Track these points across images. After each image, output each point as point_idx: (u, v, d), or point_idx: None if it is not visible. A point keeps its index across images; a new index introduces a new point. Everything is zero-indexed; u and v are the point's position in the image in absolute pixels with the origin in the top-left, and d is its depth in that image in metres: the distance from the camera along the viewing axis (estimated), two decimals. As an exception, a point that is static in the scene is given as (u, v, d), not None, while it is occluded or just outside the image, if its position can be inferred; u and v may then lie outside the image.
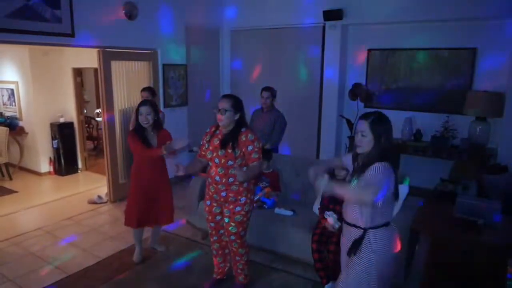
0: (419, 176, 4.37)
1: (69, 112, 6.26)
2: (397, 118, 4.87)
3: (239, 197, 2.67)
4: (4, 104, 6.39)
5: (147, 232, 3.62)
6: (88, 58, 5.28)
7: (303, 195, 3.75)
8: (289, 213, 3.45)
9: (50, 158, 6.16)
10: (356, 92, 5.28)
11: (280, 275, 3.23)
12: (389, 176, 1.90)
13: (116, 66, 4.82)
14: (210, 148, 2.68)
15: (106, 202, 4.92)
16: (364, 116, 2.01)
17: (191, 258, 3.51)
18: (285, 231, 3.29)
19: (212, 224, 2.86)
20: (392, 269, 2.11)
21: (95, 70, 5.31)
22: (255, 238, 3.31)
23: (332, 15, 5.12)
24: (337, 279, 2.83)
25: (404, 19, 4.80)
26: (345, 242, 2.14)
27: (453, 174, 4.29)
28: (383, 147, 1.94)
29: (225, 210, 2.73)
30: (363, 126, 1.97)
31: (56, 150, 6.08)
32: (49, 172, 6.17)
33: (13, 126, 6.05)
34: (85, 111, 6.98)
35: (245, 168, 2.64)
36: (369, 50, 5.31)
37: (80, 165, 6.39)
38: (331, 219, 2.77)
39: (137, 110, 3.14)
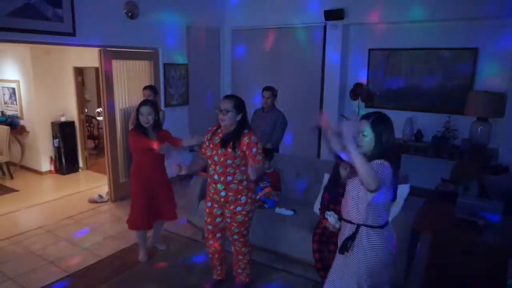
0: (420, 176, 4.36)
1: (70, 111, 6.26)
2: (398, 118, 4.85)
3: (239, 196, 2.67)
4: (5, 103, 6.40)
5: (150, 231, 3.62)
6: (89, 57, 5.29)
7: (304, 194, 3.75)
8: (289, 213, 3.44)
9: (51, 157, 6.17)
10: (357, 92, 5.27)
11: (281, 275, 3.23)
12: (387, 165, 1.91)
13: (117, 65, 4.82)
14: (211, 146, 2.68)
15: (106, 201, 4.93)
16: (365, 116, 2.02)
17: (191, 258, 3.51)
18: (286, 231, 3.28)
19: (210, 227, 2.84)
20: (386, 270, 2.10)
21: (96, 69, 5.32)
22: (255, 238, 3.30)
23: (333, 15, 5.12)
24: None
25: (405, 19, 4.79)
26: (341, 238, 2.17)
27: (454, 175, 4.28)
28: (384, 147, 1.95)
29: (226, 211, 2.73)
30: (364, 126, 1.98)
31: (57, 149, 6.09)
32: (50, 171, 6.18)
33: (14, 125, 6.06)
34: (86, 110, 6.98)
35: (243, 168, 2.65)
36: (370, 50, 5.30)
37: (81, 164, 6.39)
38: (332, 219, 2.76)
39: (138, 110, 3.14)
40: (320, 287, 2.91)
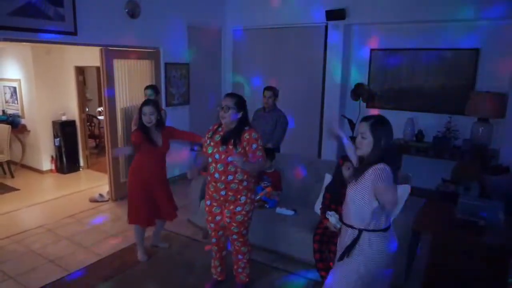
0: (421, 177, 4.35)
1: (71, 110, 6.27)
2: (399, 119, 4.87)
3: (239, 196, 2.67)
4: (6, 101, 6.40)
5: (149, 230, 3.62)
6: (91, 56, 5.29)
7: (305, 193, 3.75)
8: (290, 212, 3.44)
9: (52, 156, 6.17)
10: (358, 92, 5.27)
11: (281, 275, 3.23)
12: (388, 170, 1.91)
13: (119, 65, 4.83)
14: (212, 143, 2.68)
15: (107, 201, 4.93)
16: (365, 118, 2.02)
17: (191, 257, 3.51)
18: (287, 231, 3.28)
19: (212, 225, 2.85)
20: (386, 272, 2.09)
21: (98, 68, 5.31)
22: (256, 237, 3.30)
23: (335, 14, 5.11)
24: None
25: (407, 19, 4.78)
26: (340, 243, 2.15)
27: (455, 175, 4.28)
28: (383, 150, 1.94)
29: (225, 210, 2.73)
30: (364, 128, 1.97)
31: (58, 148, 6.10)
32: (51, 170, 6.18)
33: (15, 123, 6.07)
34: (87, 110, 6.99)
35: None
36: (372, 50, 5.30)
37: (81, 163, 6.40)
38: (333, 219, 2.76)
39: (140, 110, 3.16)
40: (321, 287, 2.92)
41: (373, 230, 1.99)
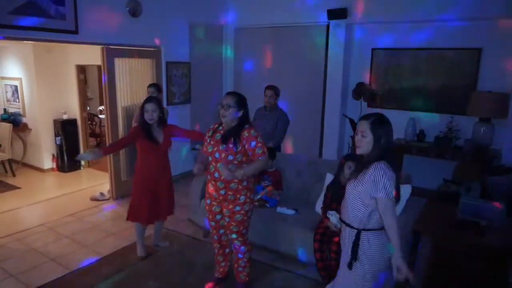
0: (422, 177, 4.35)
1: (72, 109, 6.27)
2: (401, 118, 4.87)
3: (238, 196, 2.66)
4: (7, 100, 6.41)
5: (149, 229, 3.63)
6: (92, 55, 5.29)
7: (306, 194, 3.75)
8: (291, 212, 3.44)
9: (53, 155, 6.18)
10: (359, 91, 5.27)
11: (282, 274, 3.23)
12: (391, 175, 1.88)
13: (120, 64, 4.82)
14: (212, 142, 2.68)
15: (108, 199, 4.93)
16: (365, 117, 2.00)
17: (192, 256, 3.51)
18: (287, 230, 3.28)
19: (213, 223, 2.86)
20: (388, 272, 2.06)
21: (99, 67, 5.31)
22: (257, 237, 3.30)
23: (337, 14, 5.10)
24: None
25: (409, 18, 4.77)
26: (342, 243, 2.15)
27: (456, 175, 4.27)
28: (382, 149, 1.93)
29: (224, 210, 2.73)
30: (364, 127, 1.96)
31: (59, 147, 6.10)
32: (52, 169, 6.19)
33: (16, 122, 6.07)
34: (88, 108, 6.99)
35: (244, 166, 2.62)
36: (373, 49, 5.29)
37: (82, 162, 6.40)
38: (333, 218, 2.76)
39: (142, 107, 3.16)
40: (321, 287, 2.92)
41: (372, 229, 1.98)
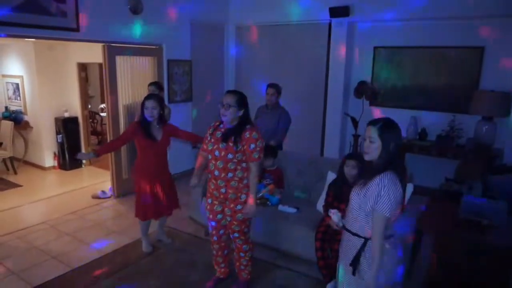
0: (424, 175, 4.34)
1: (74, 107, 6.27)
2: (403, 117, 4.85)
3: (239, 195, 2.66)
4: (9, 98, 6.41)
5: (153, 226, 3.63)
6: (93, 53, 5.28)
7: (307, 192, 3.74)
8: (293, 210, 3.44)
9: (55, 153, 6.19)
10: (361, 90, 5.25)
11: (283, 272, 3.23)
12: (395, 189, 1.82)
13: (121, 61, 4.82)
14: (212, 140, 2.67)
15: (109, 197, 4.94)
16: (372, 122, 1.94)
17: (194, 255, 3.51)
18: (289, 228, 3.28)
19: (213, 223, 2.85)
20: (394, 280, 2.02)
21: (100, 65, 5.31)
22: (258, 235, 3.30)
23: (339, 12, 5.08)
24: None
25: (411, 16, 4.75)
26: (344, 250, 2.06)
27: (458, 174, 4.25)
28: (391, 154, 1.87)
29: (226, 209, 2.72)
30: (371, 132, 1.90)
31: (61, 145, 6.11)
32: (54, 167, 6.20)
33: (18, 120, 6.08)
34: (89, 106, 6.99)
35: (244, 165, 2.64)
36: (375, 48, 5.27)
37: (84, 160, 6.40)
38: (335, 217, 2.75)
39: (143, 104, 3.16)
40: (322, 285, 2.92)
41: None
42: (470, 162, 4.32)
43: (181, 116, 5.46)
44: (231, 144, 2.56)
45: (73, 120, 6.18)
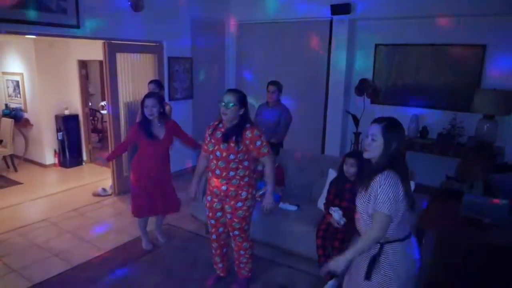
0: (425, 173, 4.33)
1: (74, 105, 6.26)
2: (404, 115, 4.84)
3: (240, 192, 2.65)
4: (9, 95, 6.40)
5: (151, 224, 3.63)
6: (94, 50, 5.27)
7: (308, 189, 3.74)
8: (293, 208, 3.44)
9: (55, 150, 6.18)
10: (362, 87, 5.23)
11: (284, 270, 3.23)
12: (394, 186, 1.79)
13: (121, 59, 4.80)
14: (212, 141, 2.66)
15: (110, 195, 4.94)
16: (377, 120, 1.91)
17: (194, 252, 3.51)
18: (290, 226, 3.28)
19: (213, 221, 2.84)
20: (414, 280, 1.97)
21: (100, 62, 5.30)
22: (259, 233, 3.30)
23: (340, 9, 5.06)
24: (339, 276, 2.84)
25: (413, 14, 4.73)
26: (360, 256, 1.98)
27: (459, 172, 4.25)
28: (392, 154, 1.84)
29: (226, 206, 2.72)
30: (375, 130, 1.87)
31: (61, 142, 6.10)
32: (54, 164, 6.19)
33: (18, 117, 6.07)
34: (90, 104, 6.98)
35: (246, 163, 2.63)
36: (377, 45, 5.25)
37: (84, 157, 6.40)
38: (336, 215, 2.76)
39: (143, 102, 3.15)
40: (323, 283, 2.92)
41: (395, 240, 1.87)
42: (471, 160, 4.31)
43: (181, 114, 5.45)
44: (232, 144, 2.55)
45: (73, 118, 6.17)
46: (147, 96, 3.19)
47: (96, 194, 4.92)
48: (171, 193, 3.46)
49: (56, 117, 6.08)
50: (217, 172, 2.63)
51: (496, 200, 2.66)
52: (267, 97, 4.34)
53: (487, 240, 2.49)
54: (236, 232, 2.76)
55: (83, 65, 6.24)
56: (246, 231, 2.80)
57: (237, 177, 2.62)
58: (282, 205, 3.48)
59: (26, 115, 6.18)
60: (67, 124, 6.06)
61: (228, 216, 2.73)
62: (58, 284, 3.02)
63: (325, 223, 2.93)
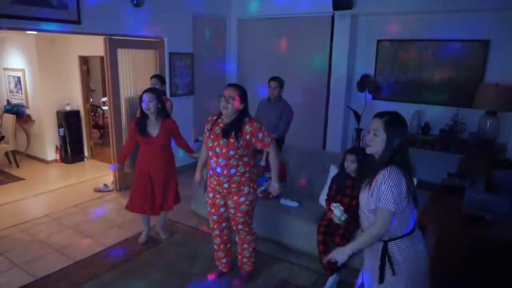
0: (426, 170, 4.31)
1: (76, 101, 6.26)
2: (406, 111, 4.77)
3: (242, 187, 2.66)
4: (10, 91, 6.41)
5: (154, 220, 3.64)
6: (95, 46, 5.26)
7: (310, 186, 3.73)
8: (295, 204, 3.44)
9: (57, 146, 6.19)
10: (364, 83, 5.21)
11: (285, 266, 3.23)
12: (398, 182, 1.76)
13: (123, 54, 4.79)
14: (212, 136, 2.64)
15: (111, 191, 4.94)
16: (379, 115, 1.87)
17: (196, 248, 3.52)
18: (291, 222, 3.28)
19: (215, 217, 2.84)
20: (425, 276, 1.95)
21: (102, 58, 5.29)
22: (260, 228, 3.31)
23: (342, 4, 5.03)
24: (340, 271, 2.85)
25: (415, 9, 4.70)
26: (368, 256, 1.99)
27: (461, 169, 4.24)
28: (395, 150, 1.80)
29: (229, 202, 2.72)
30: (377, 125, 1.83)
31: (63, 138, 6.11)
32: (56, 160, 6.20)
33: (19, 113, 6.07)
34: (91, 100, 6.98)
35: (246, 159, 2.63)
36: (379, 41, 5.22)
37: (86, 153, 6.41)
38: (337, 211, 2.75)
39: (140, 97, 3.16)
40: (324, 279, 2.92)
41: (400, 237, 1.84)
42: (473, 157, 4.30)
43: (183, 110, 5.45)
44: (232, 140, 2.54)
45: (75, 114, 6.17)
46: (145, 91, 3.19)
47: (97, 190, 4.93)
48: (171, 193, 3.41)
49: (58, 113, 6.08)
50: (218, 170, 2.62)
51: (499, 197, 2.66)
52: (268, 93, 4.32)
53: (489, 236, 2.48)
54: (240, 226, 2.77)
55: (84, 61, 6.23)
56: (250, 225, 2.81)
57: (238, 173, 2.62)
58: (283, 201, 3.48)
59: (27, 111, 6.18)
60: (68, 120, 6.06)
61: (232, 211, 2.73)
62: (60, 280, 3.03)
63: (326, 219, 2.93)
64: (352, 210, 2.66)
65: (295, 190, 3.75)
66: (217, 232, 2.90)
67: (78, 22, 4.12)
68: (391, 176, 1.77)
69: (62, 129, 6.07)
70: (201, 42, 5.80)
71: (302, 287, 2.97)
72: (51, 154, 6.18)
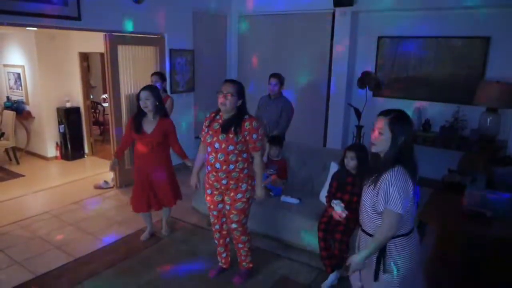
0: (427, 167, 4.28)
1: (76, 97, 6.25)
2: (406, 108, 4.73)
3: (240, 184, 2.66)
4: (10, 88, 6.39)
5: (158, 215, 3.64)
6: (95, 42, 5.23)
7: (310, 183, 3.73)
8: (295, 201, 3.44)
9: (57, 143, 6.19)
10: (365, 80, 5.19)
11: (285, 262, 3.24)
12: (405, 184, 1.76)
13: (123, 51, 4.78)
14: (210, 132, 2.63)
15: (112, 187, 4.95)
16: (383, 113, 1.85)
17: (196, 244, 3.52)
18: (291, 219, 3.28)
19: (215, 213, 2.85)
20: (418, 276, 1.98)
21: (102, 54, 5.27)
22: (261, 225, 3.31)
23: (342, 1, 5.00)
24: (342, 268, 2.85)
25: (416, 6, 4.67)
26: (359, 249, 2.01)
27: (462, 166, 4.23)
28: (400, 149, 1.79)
29: (226, 197, 2.73)
30: (382, 123, 1.82)
31: (63, 135, 6.10)
32: (56, 157, 6.20)
33: (19, 110, 6.06)
34: (91, 96, 6.97)
35: (245, 155, 2.64)
36: (380, 38, 5.20)
37: (86, 150, 6.41)
38: (338, 208, 2.75)
39: (138, 94, 3.16)
40: (324, 276, 2.93)
41: (398, 236, 1.84)
42: (474, 153, 4.29)
43: (183, 106, 5.44)
44: (231, 135, 2.54)
45: (75, 110, 6.16)
46: (142, 89, 3.19)
47: (98, 187, 4.93)
48: (170, 189, 3.41)
49: (58, 109, 6.08)
50: (217, 165, 2.61)
51: (499, 194, 2.65)
52: (268, 89, 4.31)
53: (489, 233, 2.48)
54: (234, 225, 2.76)
55: (84, 57, 6.21)
56: (244, 225, 2.80)
57: (237, 169, 2.61)
58: (284, 198, 3.48)
59: (27, 108, 6.17)
60: (68, 117, 6.05)
61: (227, 207, 2.74)
62: (61, 276, 3.03)
63: (327, 216, 2.93)
64: (353, 207, 2.66)
65: (296, 187, 3.75)
66: (217, 226, 2.91)
67: (78, 18, 4.10)
68: (398, 178, 1.76)
69: (62, 125, 6.06)
70: (202, 39, 5.77)
71: (302, 284, 2.97)
72: (51, 150, 6.18)
